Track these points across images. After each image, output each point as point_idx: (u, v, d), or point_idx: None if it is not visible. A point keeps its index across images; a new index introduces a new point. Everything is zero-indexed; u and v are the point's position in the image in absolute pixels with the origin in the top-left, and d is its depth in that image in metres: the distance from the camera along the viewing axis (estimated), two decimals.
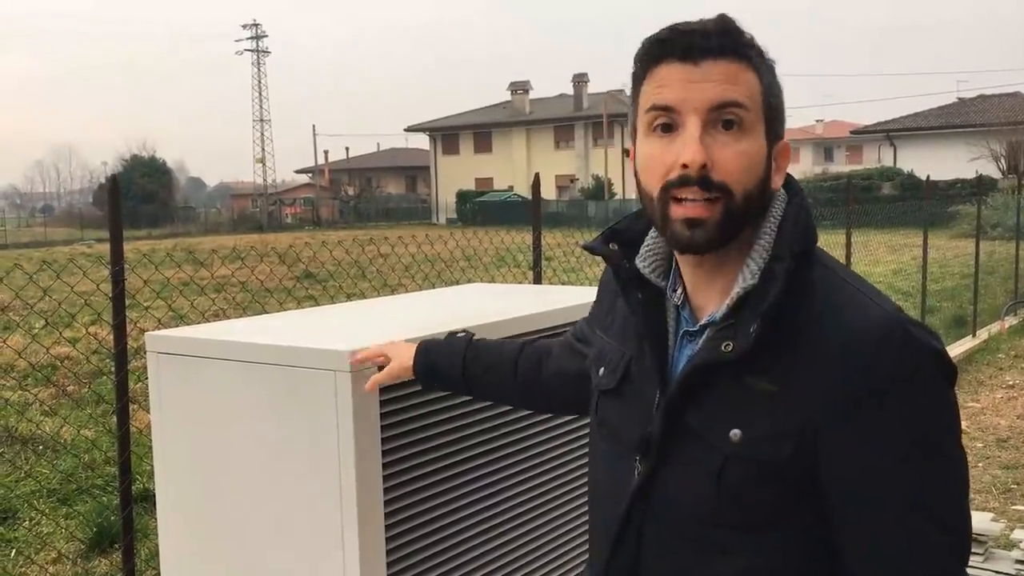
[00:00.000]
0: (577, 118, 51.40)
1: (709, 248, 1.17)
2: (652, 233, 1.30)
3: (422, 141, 60.67)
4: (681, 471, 1.21)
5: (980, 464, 6.29)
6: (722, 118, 1.14)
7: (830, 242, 9.51)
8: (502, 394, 1.82)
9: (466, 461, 2.11)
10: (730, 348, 1.15)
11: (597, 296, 1.50)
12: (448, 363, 1.76)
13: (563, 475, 2.40)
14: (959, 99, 44.42)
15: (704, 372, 1.18)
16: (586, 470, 1.47)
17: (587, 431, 1.48)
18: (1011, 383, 8.74)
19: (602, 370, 1.36)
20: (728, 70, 1.14)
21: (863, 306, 1.15)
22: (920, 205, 11.41)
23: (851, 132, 51.71)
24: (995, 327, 11.14)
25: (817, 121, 75.12)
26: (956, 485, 1.14)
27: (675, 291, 1.27)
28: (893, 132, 40.58)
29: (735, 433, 1.15)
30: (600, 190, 44.76)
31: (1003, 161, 32.87)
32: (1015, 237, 13.60)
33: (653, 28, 1.22)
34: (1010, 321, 11.60)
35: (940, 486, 1.12)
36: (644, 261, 1.29)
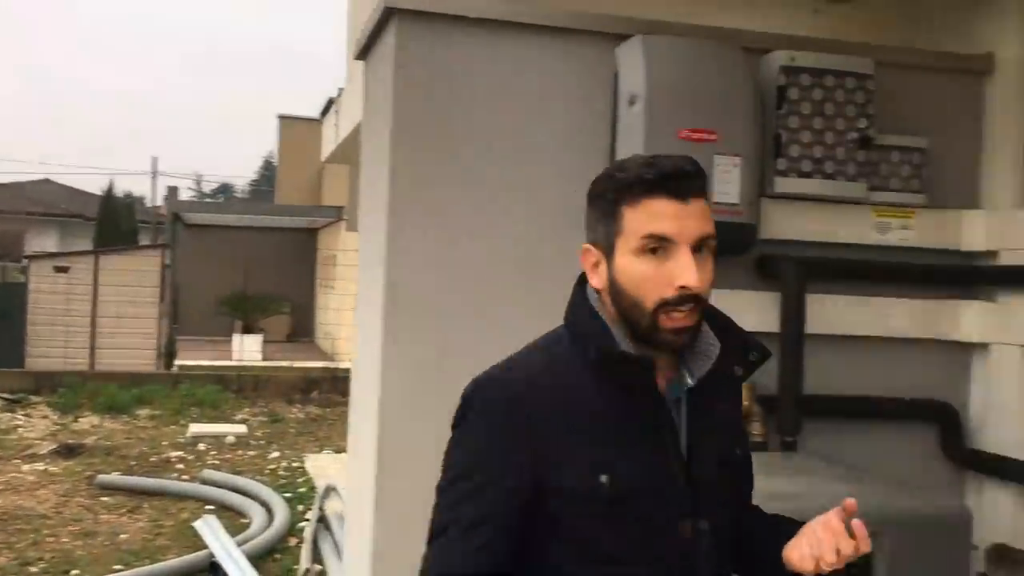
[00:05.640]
0: None
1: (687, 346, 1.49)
2: (612, 330, 1.48)
3: None
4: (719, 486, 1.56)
5: None
6: (700, 245, 1.43)
7: None
8: None
9: None
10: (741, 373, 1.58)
11: (514, 440, 1.44)
12: None
13: None
14: None
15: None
16: None
17: None
18: None
19: (604, 477, 1.42)
20: (704, 207, 1.44)
21: None
22: None
23: None
24: None
25: None
26: None
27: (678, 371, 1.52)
28: None
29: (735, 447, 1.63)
30: None
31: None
32: None
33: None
34: None
35: None
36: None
